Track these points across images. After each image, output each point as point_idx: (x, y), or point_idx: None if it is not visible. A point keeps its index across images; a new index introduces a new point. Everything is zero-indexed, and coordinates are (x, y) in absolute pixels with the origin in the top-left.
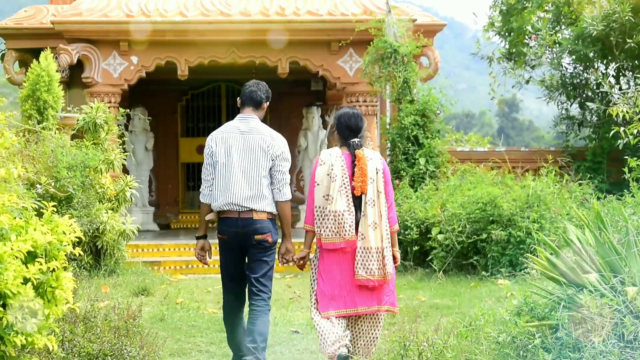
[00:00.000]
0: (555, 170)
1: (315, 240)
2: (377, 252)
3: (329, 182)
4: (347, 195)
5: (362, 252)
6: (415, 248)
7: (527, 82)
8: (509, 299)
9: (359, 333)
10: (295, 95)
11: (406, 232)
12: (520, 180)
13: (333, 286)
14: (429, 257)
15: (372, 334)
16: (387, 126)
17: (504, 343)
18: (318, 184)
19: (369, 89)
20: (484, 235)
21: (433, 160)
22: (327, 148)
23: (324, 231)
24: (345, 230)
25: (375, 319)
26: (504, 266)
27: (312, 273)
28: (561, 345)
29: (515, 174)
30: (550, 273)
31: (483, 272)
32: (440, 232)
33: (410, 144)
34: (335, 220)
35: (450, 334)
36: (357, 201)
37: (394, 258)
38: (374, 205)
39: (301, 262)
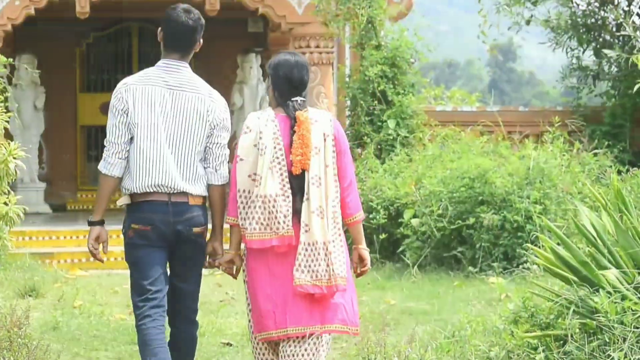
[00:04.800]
0: (564, 137)
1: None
2: (323, 248)
3: (256, 156)
4: (280, 174)
5: (307, 248)
6: (383, 236)
7: (528, 22)
8: (503, 301)
9: None
10: (228, 38)
11: (371, 216)
12: (518, 149)
13: (260, 300)
14: (400, 249)
15: None
16: (347, 79)
17: (497, 359)
18: (242, 159)
19: (323, 31)
20: (472, 220)
21: (405, 123)
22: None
23: (250, 224)
24: (279, 222)
25: (313, 346)
26: (497, 260)
27: (245, 281)
28: None
29: (512, 141)
30: (557, 269)
31: (470, 268)
32: (414, 216)
33: (376, 102)
34: (264, 208)
35: (427, 347)
36: (297, 182)
37: (362, 259)
38: (320, 184)
39: (229, 268)
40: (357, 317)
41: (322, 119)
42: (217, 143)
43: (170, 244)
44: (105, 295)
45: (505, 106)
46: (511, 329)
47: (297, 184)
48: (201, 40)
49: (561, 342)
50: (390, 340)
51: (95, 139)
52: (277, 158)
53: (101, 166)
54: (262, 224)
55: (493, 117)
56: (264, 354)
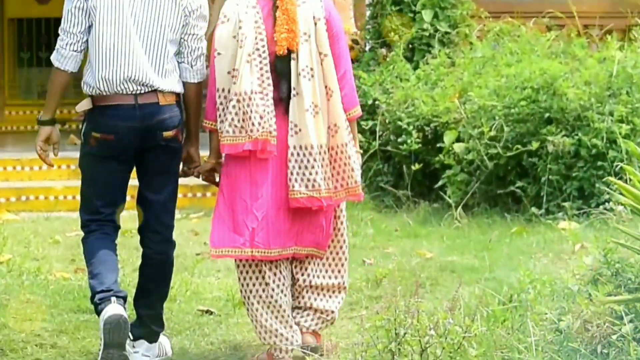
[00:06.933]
0: None
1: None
2: (320, 153)
3: (235, 49)
4: (260, 68)
5: (298, 153)
6: (416, 167)
7: None
8: (577, 254)
9: (302, 292)
10: None
11: (400, 140)
12: (597, 48)
13: (237, 209)
14: (440, 183)
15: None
16: None
17: (569, 332)
18: (220, 54)
19: None
20: (535, 145)
21: (446, 15)
22: None
23: (224, 126)
24: (253, 124)
25: (321, 266)
26: (570, 198)
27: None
28: None
29: (590, 39)
30: None
31: (533, 209)
32: (458, 140)
33: None
34: (238, 108)
35: (475, 315)
36: (282, 67)
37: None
38: (312, 76)
39: (211, 176)
40: (328, 239)
41: (309, 0)
42: (193, 34)
43: (137, 153)
44: (42, 246)
45: None
46: (589, 291)
47: (282, 69)
48: None
49: None
50: (426, 306)
51: (29, 36)
52: (258, 50)
53: (53, 58)
54: (235, 125)
55: (564, 6)
56: (255, 279)
